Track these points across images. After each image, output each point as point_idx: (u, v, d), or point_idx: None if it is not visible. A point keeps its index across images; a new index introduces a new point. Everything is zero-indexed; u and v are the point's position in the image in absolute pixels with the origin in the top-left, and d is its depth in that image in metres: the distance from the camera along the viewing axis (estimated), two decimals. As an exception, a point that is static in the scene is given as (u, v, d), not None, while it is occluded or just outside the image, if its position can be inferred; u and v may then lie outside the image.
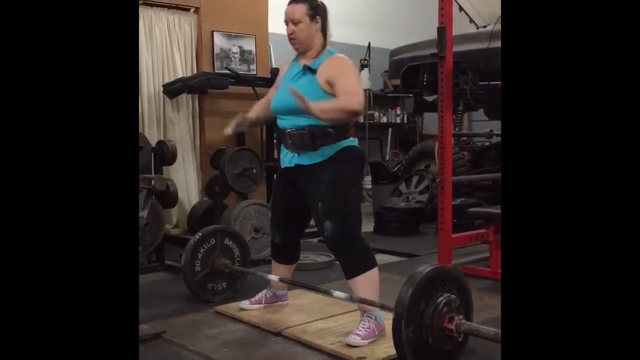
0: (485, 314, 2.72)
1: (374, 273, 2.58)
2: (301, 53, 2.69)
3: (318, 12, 2.63)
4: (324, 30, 2.67)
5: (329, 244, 2.62)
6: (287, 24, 2.63)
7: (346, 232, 2.55)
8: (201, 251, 3.15)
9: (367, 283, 2.55)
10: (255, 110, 2.89)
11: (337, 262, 2.62)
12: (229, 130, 2.83)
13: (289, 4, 2.65)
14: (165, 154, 4.33)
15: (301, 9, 2.60)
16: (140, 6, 4.95)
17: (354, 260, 2.57)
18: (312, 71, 2.58)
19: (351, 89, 2.49)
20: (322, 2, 2.70)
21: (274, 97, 2.75)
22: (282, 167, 2.74)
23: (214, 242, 3.19)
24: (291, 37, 2.63)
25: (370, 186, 6.50)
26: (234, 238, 3.29)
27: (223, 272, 3.20)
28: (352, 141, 2.66)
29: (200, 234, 3.18)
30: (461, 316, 2.09)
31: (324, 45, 2.66)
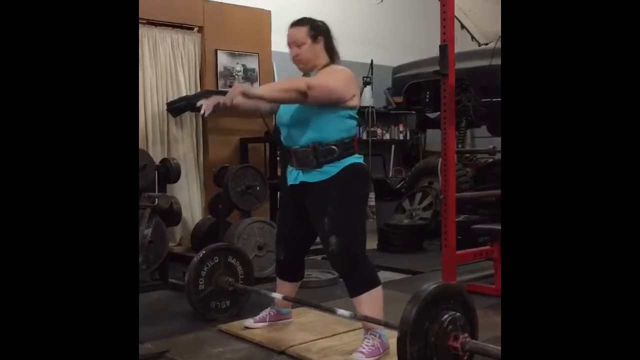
0: (491, 331, 2.70)
1: (378, 291, 2.57)
2: (306, 74, 2.71)
3: (320, 32, 2.65)
4: (329, 48, 2.68)
5: (333, 260, 2.61)
6: (290, 47, 2.66)
7: (351, 249, 2.54)
8: (205, 269, 3.14)
9: (371, 301, 2.54)
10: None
11: (341, 279, 2.61)
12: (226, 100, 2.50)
13: (290, 27, 2.67)
14: (169, 172, 4.34)
15: (302, 31, 2.63)
16: (144, 25, 5.00)
17: (358, 278, 2.56)
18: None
19: (321, 79, 2.54)
20: (322, 22, 2.71)
21: (280, 110, 2.75)
22: (288, 184, 2.75)
23: (217, 260, 3.19)
24: (296, 60, 2.66)
25: (373, 203, 6.49)
26: (237, 256, 3.29)
27: (227, 290, 3.19)
28: (357, 158, 2.67)
29: (204, 252, 3.18)
30: (466, 334, 2.07)
31: (330, 63, 2.68)
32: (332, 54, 2.69)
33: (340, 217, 2.54)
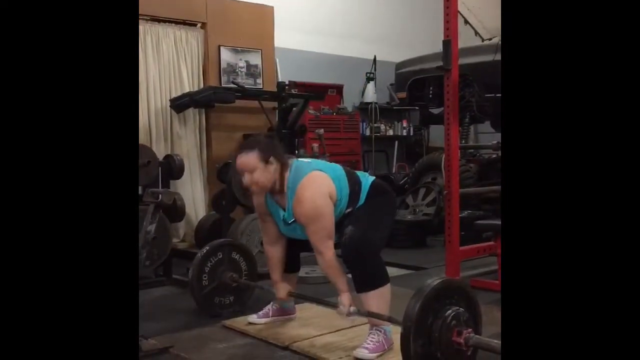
0: (495, 327, 2.69)
1: (386, 289, 2.55)
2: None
3: (270, 152, 2.57)
4: (281, 161, 2.60)
5: (346, 249, 2.54)
6: (242, 174, 2.59)
7: (366, 240, 2.53)
8: (208, 265, 3.15)
9: (378, 299, 2.52)
10: (278, 277, 2.87)
11: (349, 274, 2.60)
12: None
13: (239, 155, 2.60)
14: (173, 168, 4.34)
15: (253, 157, 2.55)
16: (147, 22, 5.00)
17: (367, 274, 2.54)
18: (294, 221, 2.62)
19: (319, 240, 2.53)
20: (268, 138, 2.65)
21: (282, 230, 2.76)
22: None
23: (221, 256, 3.19)
24: (252, 186, 2.59)
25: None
26: (241, 252, 3.29)
27: (230, 286, 3.19)
28: (366, 181, 2.70)
29: (207, 248, 3.18)
30: (470, 329, 2.07)
31: (284, 175, 2.60)
32: (283, 160, 2.62)
33: (362, 215, 2.59)
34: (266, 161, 2.55)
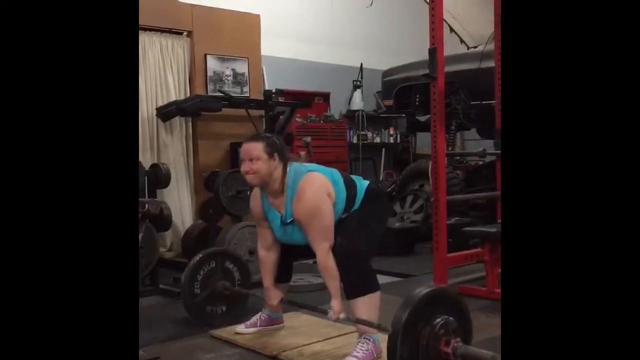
0: (483, 334, 2.70)
1: (376, 296, 2.55)
2: (262, 188, 2.71)
3: (275, 149, 2.65)
4: (283, 161, 2.67)
5: (336, 257, 2.56)
6: (243, 162, 2.65)
7: (355, 248, 2.55)
8: (201, 273, 3.11)
9: (368, 306, 2.53)
10: (270, 283, 2.86)
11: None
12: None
13: (245, 143, 2.69)
14: (159, 177, 4.32)
15: (258, 147, 2.63)
16: (133, 30, 4.98)
17: (358, 281, 2.55)
18: (291, 222, 2.63)
19: (316, 238, 2.55)
20: (277, 139, 2.73)
21: (278, 235, 2.77)
22: None
23: (214, 264, 3.16)
24: (248, 173, 2.63)
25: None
26: (234, 261, 3.26)
27: (223, 295, 3.15)
28: (362, 185, 2.72)
29: (200, 256, 3.15)
30: (458, 339, 2.06)
31: (284, 176, 2.65)
32: (286, 161, 2.69)
33: (353, 225, 2.60)
34: (270, 155, 2.61)
